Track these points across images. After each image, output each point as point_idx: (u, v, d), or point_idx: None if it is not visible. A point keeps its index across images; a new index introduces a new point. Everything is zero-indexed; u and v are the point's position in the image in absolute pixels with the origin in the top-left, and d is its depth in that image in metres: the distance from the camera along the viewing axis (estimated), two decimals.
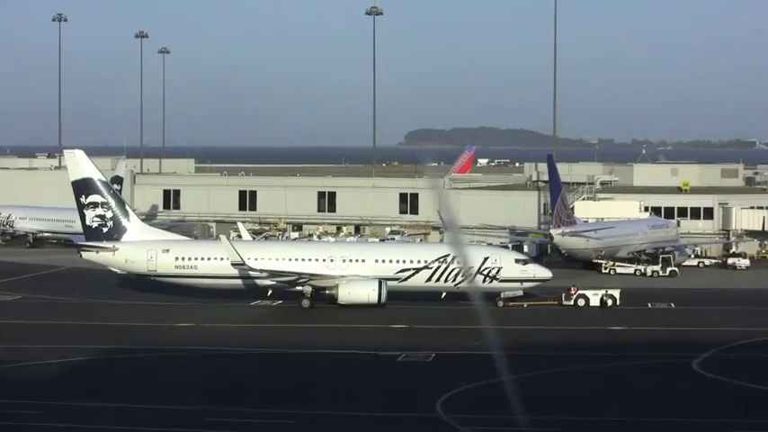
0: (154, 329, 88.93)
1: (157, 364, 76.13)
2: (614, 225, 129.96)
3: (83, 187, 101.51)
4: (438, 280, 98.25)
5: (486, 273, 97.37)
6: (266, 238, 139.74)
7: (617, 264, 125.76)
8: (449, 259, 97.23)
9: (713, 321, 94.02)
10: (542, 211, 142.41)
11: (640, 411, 62.26)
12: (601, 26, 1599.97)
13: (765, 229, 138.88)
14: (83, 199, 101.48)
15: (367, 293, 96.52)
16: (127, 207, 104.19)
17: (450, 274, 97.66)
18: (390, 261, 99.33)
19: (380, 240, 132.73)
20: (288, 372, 73.81)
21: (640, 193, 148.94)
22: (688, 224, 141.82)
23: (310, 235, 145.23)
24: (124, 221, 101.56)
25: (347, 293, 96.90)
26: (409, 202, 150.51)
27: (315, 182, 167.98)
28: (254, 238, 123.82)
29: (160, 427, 58.50)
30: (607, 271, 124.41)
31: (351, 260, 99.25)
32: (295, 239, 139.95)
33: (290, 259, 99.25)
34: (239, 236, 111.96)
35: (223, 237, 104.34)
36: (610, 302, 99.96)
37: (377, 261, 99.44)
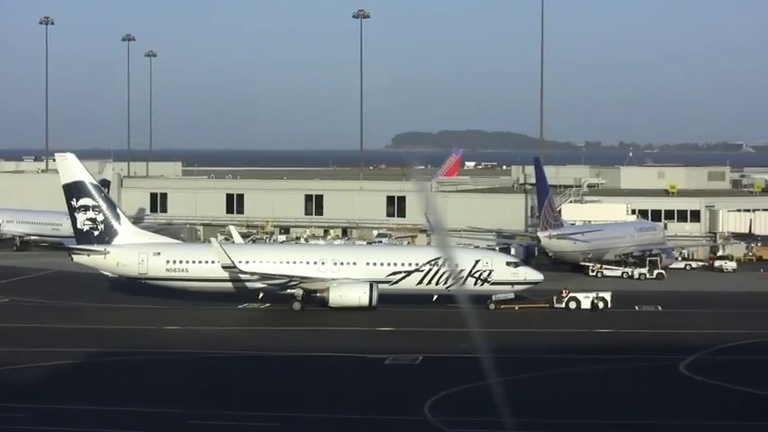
0: (141, 332, 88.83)
1: (143, 367, 75.92)
2: (601, 228, 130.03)
3: (74, 190, 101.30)
4: (429, 283, 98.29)
5: (477, 275, 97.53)
6: (253, 241, 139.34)
7: (604, 266, 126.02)
8: (440, 262, 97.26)
9: (700, 324, 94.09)
10: (529, 214, 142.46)
11: (628, 414, 62.28)
12: (588, 30, 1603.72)
13: (752, 231, 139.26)
14: (74, 202, 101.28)
15: (358, 296, 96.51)
16: (118, 210, 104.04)
17: (441, 276, 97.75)
18: (382, 264, 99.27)
19: (368, 243, 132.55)
20: (274, 375, 73.67)
21: (627, 195, 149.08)
22: (675, 227, 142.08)
23: (297, 238, 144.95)
24: (115, 225, 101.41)
25: (338, 296, 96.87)
26: (396, 205, 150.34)
27: (302, 185, 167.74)
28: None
29: (145, 431, 58.45)
30: (594, 274, 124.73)
31: (342, 263, 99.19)
32: (282, 242, 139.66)
33: (280, 262, 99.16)
34: (227, 238, 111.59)
35: (214, 240, 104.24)
36: (601, 305, 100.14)
37: (368, 264, 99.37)
